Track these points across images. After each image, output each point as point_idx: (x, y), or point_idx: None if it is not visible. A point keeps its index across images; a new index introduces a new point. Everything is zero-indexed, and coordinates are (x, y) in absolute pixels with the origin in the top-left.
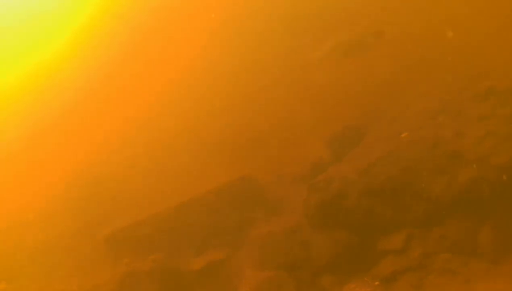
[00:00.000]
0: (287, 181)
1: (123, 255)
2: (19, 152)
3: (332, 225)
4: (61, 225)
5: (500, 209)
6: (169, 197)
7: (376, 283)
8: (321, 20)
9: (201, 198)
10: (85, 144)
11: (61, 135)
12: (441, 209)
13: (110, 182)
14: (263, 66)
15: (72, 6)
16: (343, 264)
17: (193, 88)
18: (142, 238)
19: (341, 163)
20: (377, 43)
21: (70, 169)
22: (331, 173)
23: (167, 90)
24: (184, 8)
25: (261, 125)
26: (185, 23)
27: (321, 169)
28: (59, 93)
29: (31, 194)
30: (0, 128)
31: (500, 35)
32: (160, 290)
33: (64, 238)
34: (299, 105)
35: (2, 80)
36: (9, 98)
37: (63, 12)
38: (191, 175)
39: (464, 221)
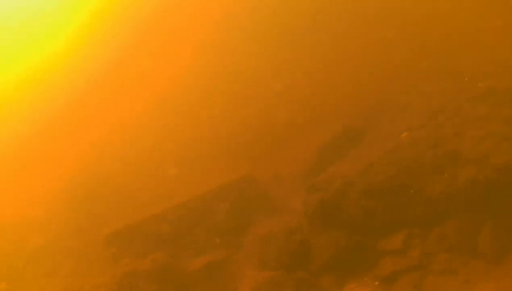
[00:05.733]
0: (287, 181)
1: (123, 255)
2: (19, 152)
3: (332, 225)
4: (61, 225)
5: (500, 209)
6: (169, 197)
7: (376, 283)
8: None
9: (201, 198)
10: (85, 145)
11: (60, 135)
12: (441, 209)
13: (109, 182)
14: (264, 65)
15: (71, 5)
16: (343, 264)
17: (193, 88)
18: (142, 238)
19: (341, 163)
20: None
21: (70, 170)
22: (331, 173)
23: (167, 89)
24: (184, 6)
25: (261, 125)
26: (185, 21)
27: (321, 169)
28: (60, 92)
29: (31, 195)
30: (0, 127)
31: (499, 35)
32: (160, 290)
33: (64, 238)
34: (300, 105)
35: (2, 79)
36: (10, 97)
37: (62, 10)
38: (191, 175)
39: (464, 221)
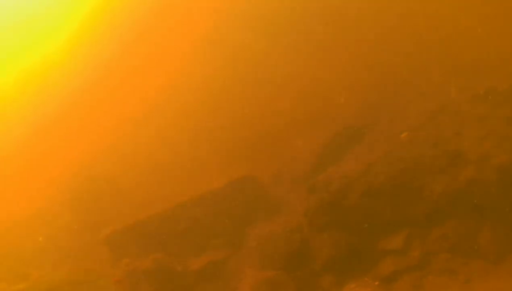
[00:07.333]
0: (287, 181)
1: (123, 255)
2: (18, 152)
3: (332, 225)
4: (62, 225)
5: (500, 209)
6: (169, 197)
7: (376, 283)
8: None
9: (201, 198)
10: (85, 145)
11: (61, 135)
12: (441, 209)
13: (110, 182)
14: (264, 66)
15: (69, 6)
16: (343, 264)
17: (192, 87)
18: (142, 238)
19: (341, 162)
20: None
21: (70, 170)
22: (331, 173)
23: (166, 90)
24: (182, 5)
25: (261, 126)
26: (184, 19)
27: (321, 169)
28: (58, 92)
29: (31, 195)
30: (1, 129)
31: (499, 35)
32: (160, 290)
33: (65, 238)
34: (300, 106)
35: (1, 80)
36: (8, 98)
37: (61, 11)
38: (192, 175)
39: (464, 221)
